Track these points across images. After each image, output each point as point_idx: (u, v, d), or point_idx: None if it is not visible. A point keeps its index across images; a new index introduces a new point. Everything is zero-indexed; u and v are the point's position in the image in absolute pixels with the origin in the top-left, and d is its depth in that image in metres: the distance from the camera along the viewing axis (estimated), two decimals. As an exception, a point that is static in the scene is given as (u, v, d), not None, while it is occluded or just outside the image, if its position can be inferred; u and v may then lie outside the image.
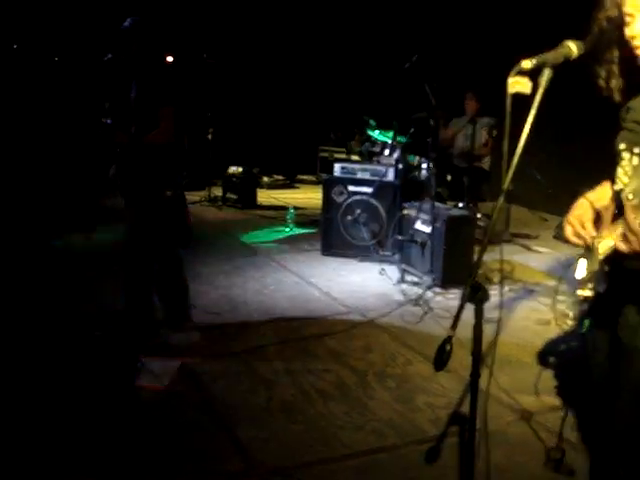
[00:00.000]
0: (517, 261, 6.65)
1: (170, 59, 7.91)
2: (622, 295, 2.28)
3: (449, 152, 8.37)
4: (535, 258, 7.00)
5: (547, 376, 4.17)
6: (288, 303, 5.56)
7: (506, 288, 5.88)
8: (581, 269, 2.41)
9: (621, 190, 2.21)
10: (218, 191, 10.01)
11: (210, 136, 9.91)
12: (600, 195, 2.44)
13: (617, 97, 2.34)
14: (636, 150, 2.21)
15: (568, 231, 2.40)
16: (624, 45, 2.18)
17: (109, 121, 4.50)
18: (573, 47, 2.13)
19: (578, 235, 2.36)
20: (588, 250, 2.35)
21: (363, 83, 11.02)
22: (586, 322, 2.43)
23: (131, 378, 4.02)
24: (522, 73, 2.04)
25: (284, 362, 4.39)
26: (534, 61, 2.05)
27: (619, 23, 2.17)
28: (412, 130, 7.08)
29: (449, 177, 8.08)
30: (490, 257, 6.06)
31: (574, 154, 7.96)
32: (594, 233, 2.32)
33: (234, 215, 9.25)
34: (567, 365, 4.31)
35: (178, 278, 4.85)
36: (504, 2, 8.85)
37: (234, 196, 9.82)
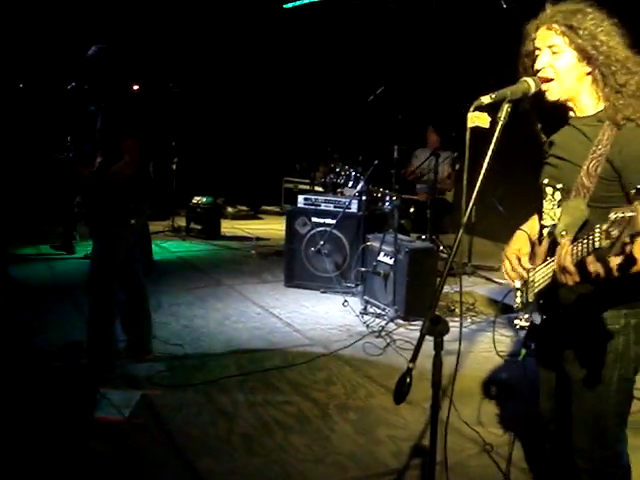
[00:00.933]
0: (479, 293, 6.69)
1: (136, 87, 7.92)
2: (560, 328, 2.32)
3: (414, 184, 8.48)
4: (497, 290, 7.05)
5: (508, 407, 4.18)
6: (250, 334, 5.52)
7: (468, 320, 5.92)
8: (517, 300, 2.47)
9: (552, 226, 2.27)
10: (182, 221, 9.96)
11: (174, 165, 9.89)
12: (533, 226, 2.52)
13: (542, 137, 2.43)
14: (558, 186, 2.27)
15: (505, 267, 2.46)
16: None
17: (71, 154, 4.45)
18: (531, 83, 2.19)
19: (514, 271, 2.42)
20: (524, 282, 2.41)
21: (328, 115, 11.09)
22: (522, 351, 2.47)
23: (90, 409, 3.95)
24: (481, 108, 2.08)
25: (245, 394, 4.35)
26: (493, 96, 2.10)
27: (534, 57, 2.24)
28: (376, 162, 7.12)
29: (412, 209, 8.17)
30: (452, 289, 6.13)
31: (536, 185, 8.06)
32: (530, 266, 2.38)
33: (197, 245, 9.19)
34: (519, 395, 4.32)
35: (142, 308, 4.80)
36: (465, 40, 8.99)
37: (198, 226, 9.73)
